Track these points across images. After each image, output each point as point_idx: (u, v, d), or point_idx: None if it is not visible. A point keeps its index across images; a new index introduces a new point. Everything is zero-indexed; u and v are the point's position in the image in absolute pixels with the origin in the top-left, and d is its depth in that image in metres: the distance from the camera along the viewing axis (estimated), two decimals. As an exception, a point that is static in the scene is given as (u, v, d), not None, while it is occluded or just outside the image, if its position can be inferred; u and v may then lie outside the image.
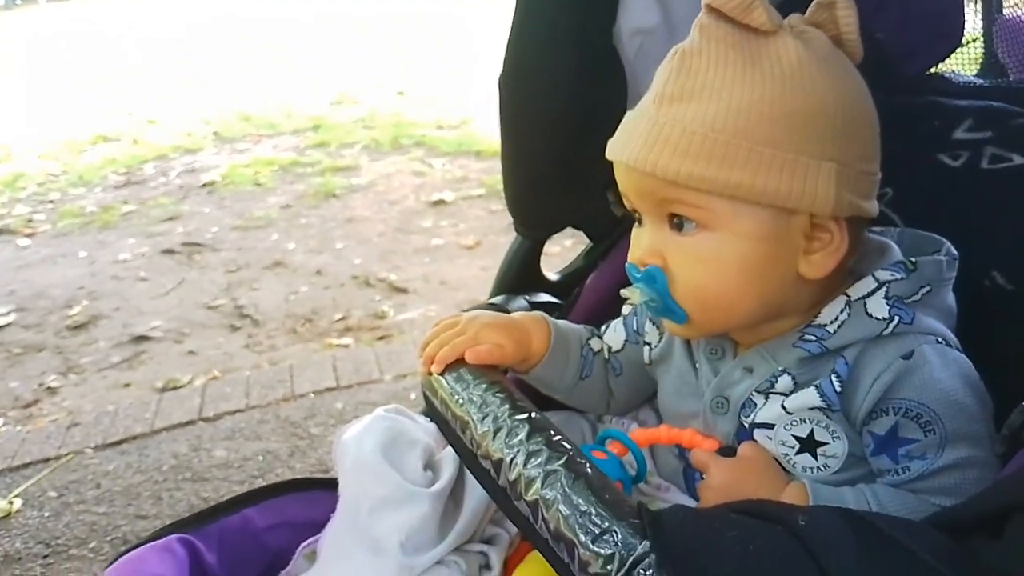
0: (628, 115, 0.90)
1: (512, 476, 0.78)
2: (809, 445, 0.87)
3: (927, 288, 0.86)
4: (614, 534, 0.68)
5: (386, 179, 5.10)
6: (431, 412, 0.95)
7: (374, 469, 0.96)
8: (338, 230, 4.36)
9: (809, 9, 0.87)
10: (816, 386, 0.86)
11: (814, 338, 0.87)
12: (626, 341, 1.10)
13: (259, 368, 3.06)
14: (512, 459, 0.79)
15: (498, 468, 0.80)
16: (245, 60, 9.55)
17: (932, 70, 1.22)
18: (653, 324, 1.06)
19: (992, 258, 0.99)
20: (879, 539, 0.63)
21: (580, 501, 0.72)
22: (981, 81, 1.27)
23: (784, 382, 0.89)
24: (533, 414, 0.84)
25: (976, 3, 1.35)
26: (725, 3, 0.81)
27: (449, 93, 7.09)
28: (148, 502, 2.36)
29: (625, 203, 0.93)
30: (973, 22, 1.30)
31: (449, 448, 1.00)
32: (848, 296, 0.87)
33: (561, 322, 1.10)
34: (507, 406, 0.85)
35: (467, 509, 0.97)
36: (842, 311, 0.86)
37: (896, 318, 0.84)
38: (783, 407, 0.88)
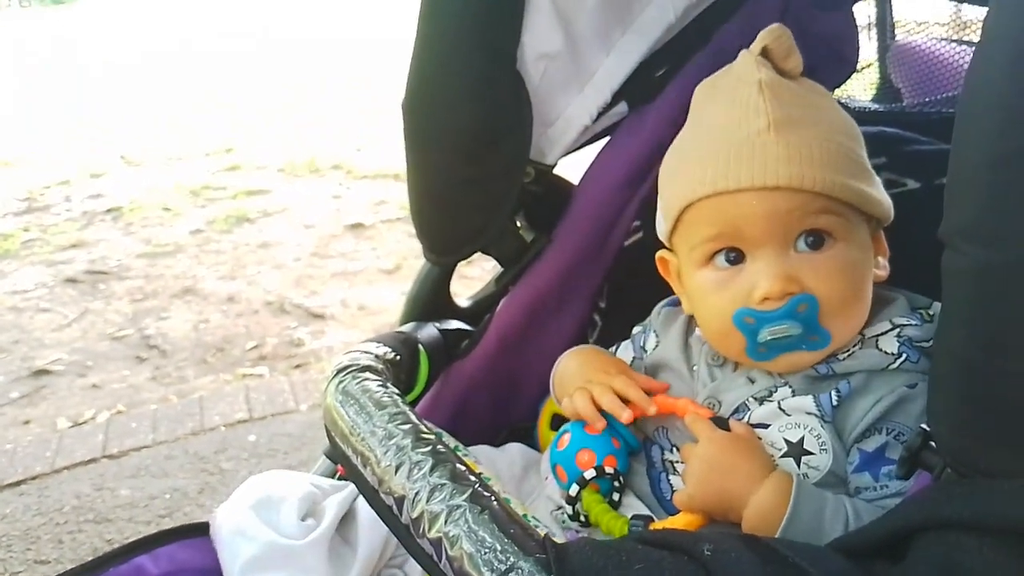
0: (711, 148, 0.91)
1: (415, 513, 0.75)
2: (796, 451, 0.88)
3: None
4: (520, 571, 0.67)
5: (302, 203, 5.01)
6: (332, 446, 0.91)
7: (245, 529, 0.93)
8: (251, 255, 4.25)
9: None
10: (814, 395, 0.89)
11: (824, 362, 0.91)
12: (634, 358, 1.10)
13: (167, 401, 2.94)
14: (416, 494, 0.76)
15: (400, 504, 0.77)
16: (155, 84, 9.30)
17: (829, 95, 1.25)
18: (656, 335, 1.09)
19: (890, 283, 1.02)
20: (784, 567, 0.63)
21: (485, 536, 0.70)
22: (876, 106, 1.31)
23: (783, 392, 0.91)
24: (439, 446, 0.82)
25: (870, 29, 1.40)
26: (775, 46, 0.91)
27: (366, 115, 7.02)
28: (48, 546, 2.24)
29: (720, 242, 0.91)
30: (868, 48, 1.34)
31: (337, 494, 0.97)
32: (863, 334, 0.92)
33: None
34: (411, 438, 0.83)
35: (361, 554, 0.94)
36: (855, 344, 0.92)
37: (904, 355, 0.89)
38: (780, 407, 0.90)
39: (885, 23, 1.40)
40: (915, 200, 1.12)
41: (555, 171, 1.26)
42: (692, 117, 1.01)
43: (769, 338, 0.87)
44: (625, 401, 0.97)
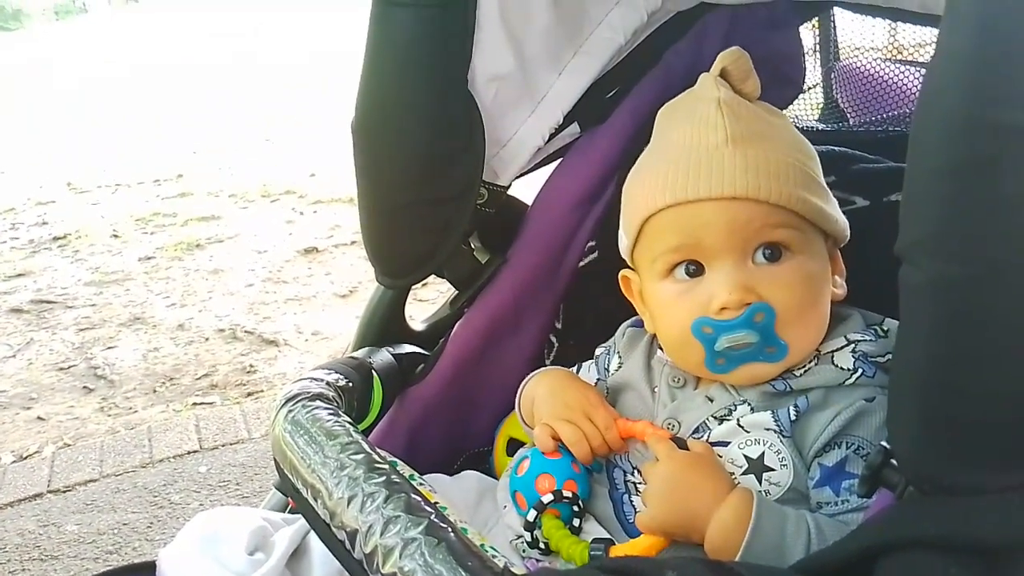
0: (671, 161, 0.93)
1: (368, 547, 0.73)
2: (757, 468, 0.88)
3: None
4: (477, 605, 0.65)
5: (254, 228, 4.94)
6: (281, 479, 0.88)
7: (190, 566, 0.90)
8: (202, 282, 4.17)
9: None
10: (772, 411, 0.89)
11: (781, 378, 0.92)
12: (598, 380, 1.10)
13: (115, 433, 2.86)
14: (369, 528, 0.74)
15: (353, 539, 0.75)
16: (103, 110, 9.16)
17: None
18: (619, 356, 1.08)
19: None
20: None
21: (442, 570, 0.68)
22: (823, 126, 1.32)
23: (742, 410, 0.91)
24: (393, 476, 0.79)
25: (816, 52, 1.42)
26: (733, 68, 0.94)
27: (319, 139, 6.97)
28: (-11, 587, 2.15)
29: (680, 253, 0.93)
30: (813, 70, 1.36)
31: (287, 527, 0.94)
32: (819, 351, 0.93)
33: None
34: (363, 469, 0.80)
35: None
36: (811, 360, 0.93)
37: (860, 370, 0.90)
38: (739, 424, 0.90)
39: (829, 44, 1.42)
40: (864, 217, 1.13)
41: (509, 192, 1.25)
42: (654, 138, 1.02)
43: (727, 346, 0.89)
44: None
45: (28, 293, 4.15)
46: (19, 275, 4.40)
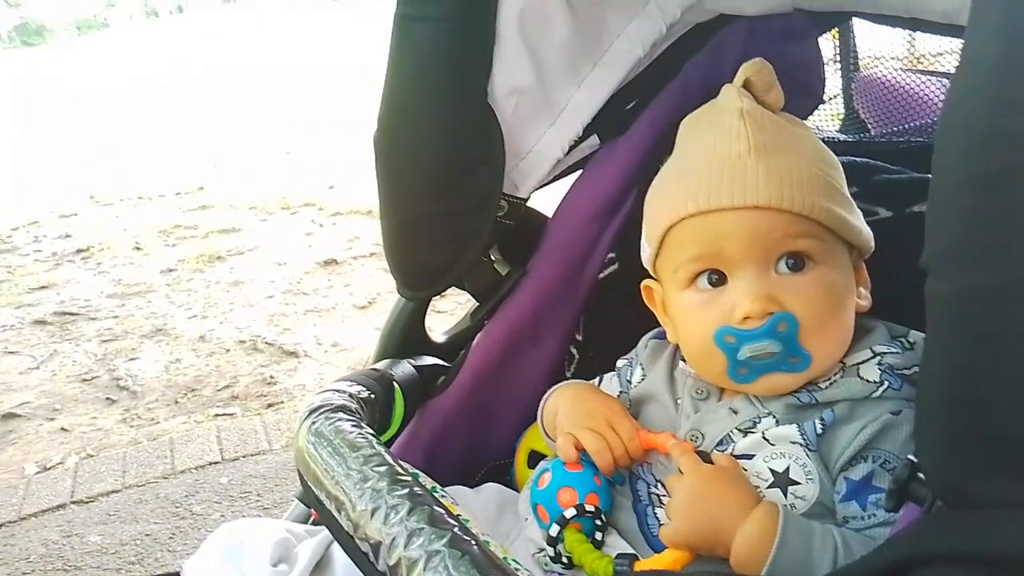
0: (693, 171, 0.93)
1: (392, 559, 0.73)
2: (782, 481, 0.88)
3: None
4: (501, 618, 0.65)
5: (274, 240, 4.97)
6: (304, 491, 0.89)
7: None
8: (223, 294, 4.20)
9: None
10: (798, 424, 0.88)
11: (806, 390, 0.91)
12: (620, 392, 1.09)
13: (137, 444, 2.88)
14: (392, 540, 0.74)
15: (377, 551, 0.75)
16: (126, 123, 9.25)
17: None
18: (642, 368, 1.08)
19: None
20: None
21: (465, 583, 0.68)
22: (844, 136, 1.32)
23: (767, 423, 0.91)
24: (416, 488, 0.80)
25: (836, 62, 1.42)
26: (756, 79, 0.94)
27: (338, 151, 7.02)
28: (13, 597, 2.17)
29: (702, 263, 0.93)
30: (832, 80, 1.36)
31: (310, 539, 0.95)
32: (844, 363, 0.93)
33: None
34: (387, 481, 0.81)
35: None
36: (836, 373, 0.93)
37: (886, 383, 0.89)
38: (764, 436, 0.90)
39: (848, 54, 1.42)
40: (887, 228, 1.12)
41: (529, 204, 1.26)
42: (676, 148, 1.02)
43: (749, 356, 0.88)
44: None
45: (51, 305, 4.19)
46: (43, 287, 4.44)
